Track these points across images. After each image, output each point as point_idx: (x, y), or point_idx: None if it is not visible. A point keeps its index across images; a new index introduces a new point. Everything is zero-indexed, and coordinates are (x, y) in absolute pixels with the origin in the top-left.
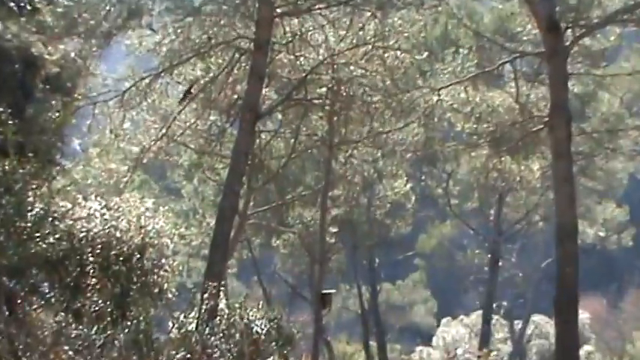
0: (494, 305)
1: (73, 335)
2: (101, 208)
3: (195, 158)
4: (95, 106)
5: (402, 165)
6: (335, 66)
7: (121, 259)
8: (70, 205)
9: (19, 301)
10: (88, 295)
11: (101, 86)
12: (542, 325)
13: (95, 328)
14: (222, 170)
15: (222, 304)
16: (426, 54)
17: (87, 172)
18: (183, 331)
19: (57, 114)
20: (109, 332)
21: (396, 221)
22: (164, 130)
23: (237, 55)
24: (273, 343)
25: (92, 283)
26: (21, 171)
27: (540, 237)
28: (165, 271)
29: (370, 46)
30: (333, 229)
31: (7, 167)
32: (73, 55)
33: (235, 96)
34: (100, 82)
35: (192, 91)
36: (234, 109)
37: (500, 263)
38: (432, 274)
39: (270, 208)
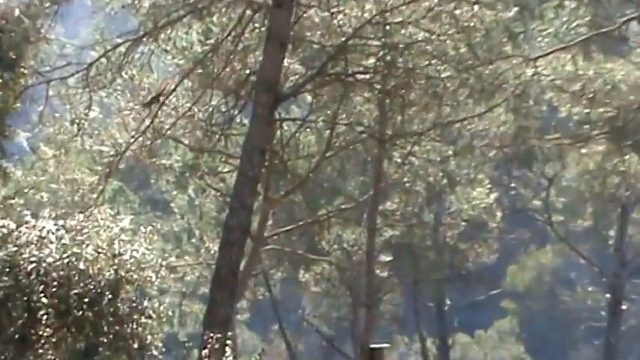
0: None
1: None
2: (58, 229)
3: (190, 159)
4: (49, 86)
5: (484, 167)
6: (387, 27)
7: (86, 300)
8: (13, 225)
9: None
10: (40, 350)
11: (57, 57)
12: None
13: None
14: (229, 175)
15: None
16: (516, 10)
17: (38, 180)
18: None
19: None
20: None
21: (474, 246)
22: (147, 121)
23: (248, 13)
24: None
25: (45, 334)
26: None
27: None
28: (149, 317)
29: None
30: (386, 258)
31: None
32: (17, 12)
33: (247, 71)
34: (56, 51)
35: (160, 97)
36: (246, 89)
37: (624, 306)
38: (526, 320)
39: (297, 228)
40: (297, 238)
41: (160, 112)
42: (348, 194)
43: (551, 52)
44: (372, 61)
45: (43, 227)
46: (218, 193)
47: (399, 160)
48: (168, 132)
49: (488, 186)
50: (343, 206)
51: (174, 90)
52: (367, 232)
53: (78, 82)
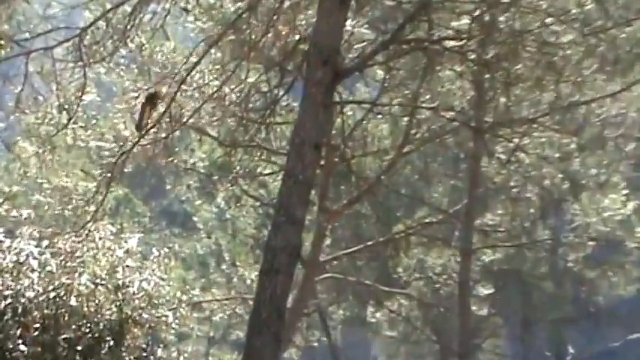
0: None
1: None
2: (41, 253)
3: (219, 156)
4: (29, 59)
5: (619, 166)
6: None
7: (79, 348)
8: None
9: None
10: None
11: (39, 20)
12: None
13: None
14: (272, 178)
15: None
16: None
17: (15, 186)
18: None
19: None
20: None
21: (607, 274)
22: (162, 106)
23: None
24: None
25: None
26: None
27: None
28: None
29: None
30: (486, 290)
31: None
32: None
33: (296, 36)
34: (38, 11)
35: (155, 101)
36: (294, 62)
37: None
38: None
39: (364, 249)
40: (365, 263)
41: (178, 93)
42: (434, 204)
43: None
44: (465, 21)
45: (22, 250)
46: (257, 203)
47: (502, 157)
48: (190, 121)
49: (625, 191)
50: (427, 220)
51: (197, 63)
52: (460, 255)
53: (67, 53)
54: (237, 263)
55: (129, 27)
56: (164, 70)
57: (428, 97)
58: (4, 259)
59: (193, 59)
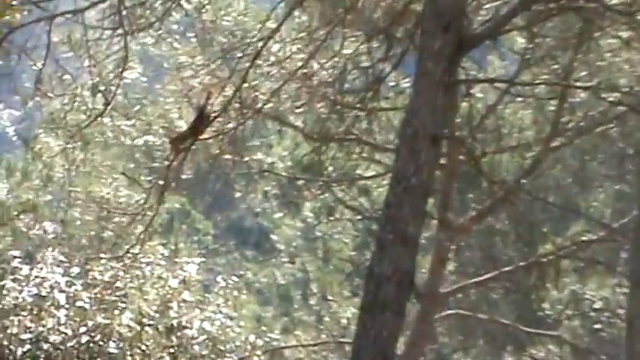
0: None
1: None
2: (70, 284)
3: (305, 154)
4: (52, 26)
5: None
6: None
7: None
8: None
9: None
10: None
11: None
12: None
13: None
14: (376, 182)
15: None
16: None
17: (34, 195)
18: None
19: None
20: None
21: None
22: (229, 89)
23: None
24: None
25: None
26: None
27: None
28: None
29: None
30: None
31: None
32: None
33: None
34: None
35: (204, 117)
36: (405, 28)
37: None
38: None
39: (500, 276)
40: (502, 295)
41: (251, 71)
42: (593, 216)
43: None
44: None
45: (45, 280)
46: (357, 216)
47: None
48: (267, 107)
49: None
50: (584, 238)
51: (276, 30)
52: (629, 284)
53: (103, 18)
54: (330, 297)
55: None
56: (232, 39)
57: (584, 73)
58: (20, 293)
59: (271, 25)
